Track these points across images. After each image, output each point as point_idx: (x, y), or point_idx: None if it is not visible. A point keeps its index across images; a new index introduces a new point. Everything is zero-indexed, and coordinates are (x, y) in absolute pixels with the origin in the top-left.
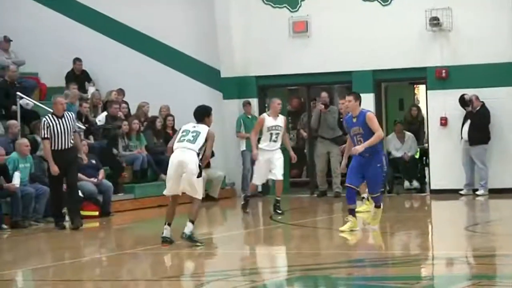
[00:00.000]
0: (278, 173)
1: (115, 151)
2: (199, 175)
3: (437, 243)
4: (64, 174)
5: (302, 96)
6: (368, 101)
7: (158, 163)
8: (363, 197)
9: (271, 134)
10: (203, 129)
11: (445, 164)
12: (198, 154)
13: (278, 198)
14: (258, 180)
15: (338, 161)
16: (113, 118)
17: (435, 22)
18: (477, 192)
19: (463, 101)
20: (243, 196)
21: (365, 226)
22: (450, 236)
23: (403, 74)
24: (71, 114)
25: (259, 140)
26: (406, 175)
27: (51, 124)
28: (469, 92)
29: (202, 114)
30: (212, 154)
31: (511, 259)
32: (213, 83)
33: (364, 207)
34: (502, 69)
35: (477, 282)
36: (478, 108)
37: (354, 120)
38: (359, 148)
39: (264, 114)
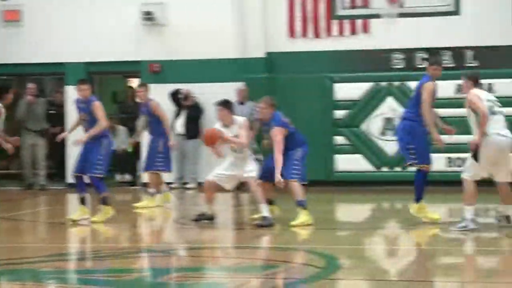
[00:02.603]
0: None
1: None
2: None
3: (147, 236)
4: None
5: (16, 88)
6: None
7: None
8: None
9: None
10: None
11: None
12: None
13: None
14: None
15: (44, 154)
16: None
17: (149, 16)
18: (187, 186)
19: (176, 96)
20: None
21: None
22: (160, 228)
23: (117, 67)
24: None
25: None
26: (119, 168)
27: None
28: (182, 87)
29: None
30: None
31: (214, 251)
32: None
33: (146, 203)
34: (214, 65)
35: (183, 275)
36: (192, 103)
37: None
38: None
39: None
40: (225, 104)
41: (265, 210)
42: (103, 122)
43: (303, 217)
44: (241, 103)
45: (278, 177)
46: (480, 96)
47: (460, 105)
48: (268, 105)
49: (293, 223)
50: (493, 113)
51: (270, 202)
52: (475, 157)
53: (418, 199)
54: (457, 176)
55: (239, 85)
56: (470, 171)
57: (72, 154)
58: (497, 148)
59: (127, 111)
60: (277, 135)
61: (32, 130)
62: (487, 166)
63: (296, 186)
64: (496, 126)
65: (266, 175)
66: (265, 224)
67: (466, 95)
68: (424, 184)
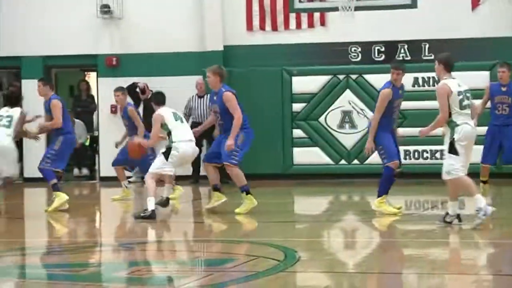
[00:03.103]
0: None
1: None
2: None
3: (105, 230)
4: None
5: None
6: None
7: None
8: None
9: None
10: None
11: (113, 152)
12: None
13: None
14: None
15: None
16: None
17: (106, 9)
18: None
19: (133, 89)
20: None
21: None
22: (117, 223)
23: (74, 61)
24: None
25: None
26: (76, 162)
27: None
28: (140, 81)
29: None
30: None
31: (172, 245)
32: None
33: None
34: (171, 58)
35: (141, 268)
36: (149, 97)
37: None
38: None
39: None
40: (151, 96)
41: (150, 204)
42: (57, 121)
43: (247, 202)
44: (200, 96)
45: (230, 142)
46: (452, 90)
47: (418, 98)
48: (213, 73)
49: (237, 210)
50: (463, 107)
51: (218, 190)
52: (453, 151)
53: (381, 194)
54: (414, 168)
55: (198, 78)
56: (456, 166)
57: (29, 148)
58: (469, 135)
59: (83, 104)
60: (230, 99)
61: None
62: (469, 153)
63: (236, 172)
64: (465, 118)
65: (212, 157)
66: (145, 216)
67: (437, 82)
68: (391, 181)
